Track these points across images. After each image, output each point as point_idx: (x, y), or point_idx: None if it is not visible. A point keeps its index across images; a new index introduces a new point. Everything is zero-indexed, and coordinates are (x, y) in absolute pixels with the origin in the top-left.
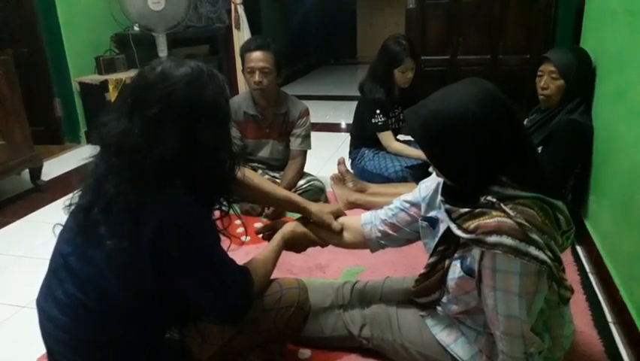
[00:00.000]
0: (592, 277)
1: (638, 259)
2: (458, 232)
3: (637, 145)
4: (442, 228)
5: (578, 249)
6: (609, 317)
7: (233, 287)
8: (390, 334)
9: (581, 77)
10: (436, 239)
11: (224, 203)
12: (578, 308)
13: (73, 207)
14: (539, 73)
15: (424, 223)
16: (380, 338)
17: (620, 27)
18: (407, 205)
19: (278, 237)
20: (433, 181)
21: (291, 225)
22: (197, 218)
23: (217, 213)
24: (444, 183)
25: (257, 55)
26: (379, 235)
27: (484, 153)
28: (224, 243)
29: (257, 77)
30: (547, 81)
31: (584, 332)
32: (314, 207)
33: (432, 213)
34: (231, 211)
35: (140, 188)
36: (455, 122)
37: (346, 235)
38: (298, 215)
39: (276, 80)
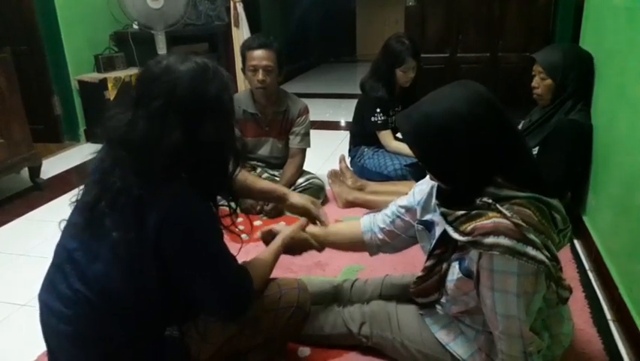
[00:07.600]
0: (591, 275)
1: (637, 257)
2: (455, 235)
3: (637, 143)
4: (438, 231)
5: (577, 246)
6: (608, 315)
7: (235, 284)
8: (390, 332)
9: (570, 76)
10: (433, 242)
11: (229, 200)
12: (577, 306)
13: (78, 203)
14: (533, 73)
15: (420, 227)
16: (379, 336)
17: (619, 24)
18: (402, 211)
19: (278, 240)
20: (427, 184)
21: (290, 229)
22: (200, 214)
23: (222, 212)
24: (438, 187)
25: (260, 53)
26: (379, 243)
27: (476, 155)
28: (233, 243)
29: (260, 75)
30: (537, 81)
31: (583, 330)
32: (295, 198)
33: (427, 217)
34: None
35: (146, 181)
36: (446, 125)
37: (345, 241)
38: (299, 216)
39: (277, 78)
